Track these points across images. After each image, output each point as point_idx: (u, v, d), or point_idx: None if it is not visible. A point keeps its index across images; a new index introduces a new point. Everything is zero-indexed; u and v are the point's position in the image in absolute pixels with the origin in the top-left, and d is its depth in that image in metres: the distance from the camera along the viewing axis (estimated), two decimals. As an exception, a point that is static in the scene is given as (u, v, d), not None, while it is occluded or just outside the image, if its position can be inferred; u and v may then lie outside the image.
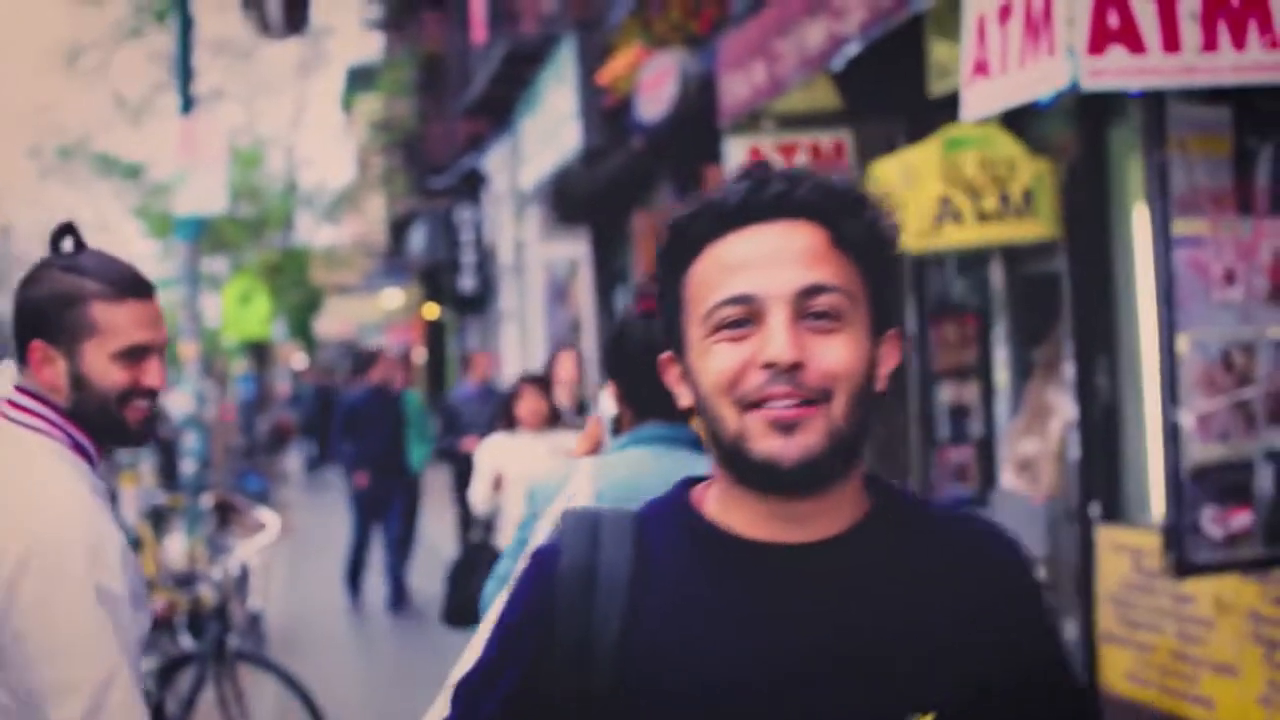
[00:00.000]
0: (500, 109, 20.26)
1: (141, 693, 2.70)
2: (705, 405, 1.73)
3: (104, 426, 2.86)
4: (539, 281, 20.92)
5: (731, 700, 1.69)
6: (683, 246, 1.75)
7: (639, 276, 13.27)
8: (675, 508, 1.82)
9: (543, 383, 8.52)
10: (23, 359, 2.85)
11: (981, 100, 5.84)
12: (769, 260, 1.71)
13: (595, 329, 18.61)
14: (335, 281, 33.96)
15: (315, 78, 49.57)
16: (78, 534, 2.66)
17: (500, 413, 8.63)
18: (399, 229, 33.47)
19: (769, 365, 1.67)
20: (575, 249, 19.45)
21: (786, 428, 1.67)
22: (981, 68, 5.78)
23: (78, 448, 2.84)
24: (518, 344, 22.46)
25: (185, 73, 12.65)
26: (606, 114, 14.54)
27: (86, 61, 23.55)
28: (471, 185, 23.83)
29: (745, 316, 1.70)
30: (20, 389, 2.85)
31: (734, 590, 1.74)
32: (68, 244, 2.90)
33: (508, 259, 22.55)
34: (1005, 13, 5.61)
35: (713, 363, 1.71)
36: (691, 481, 1.86)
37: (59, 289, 2.82)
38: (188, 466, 12.50)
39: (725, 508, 1.78)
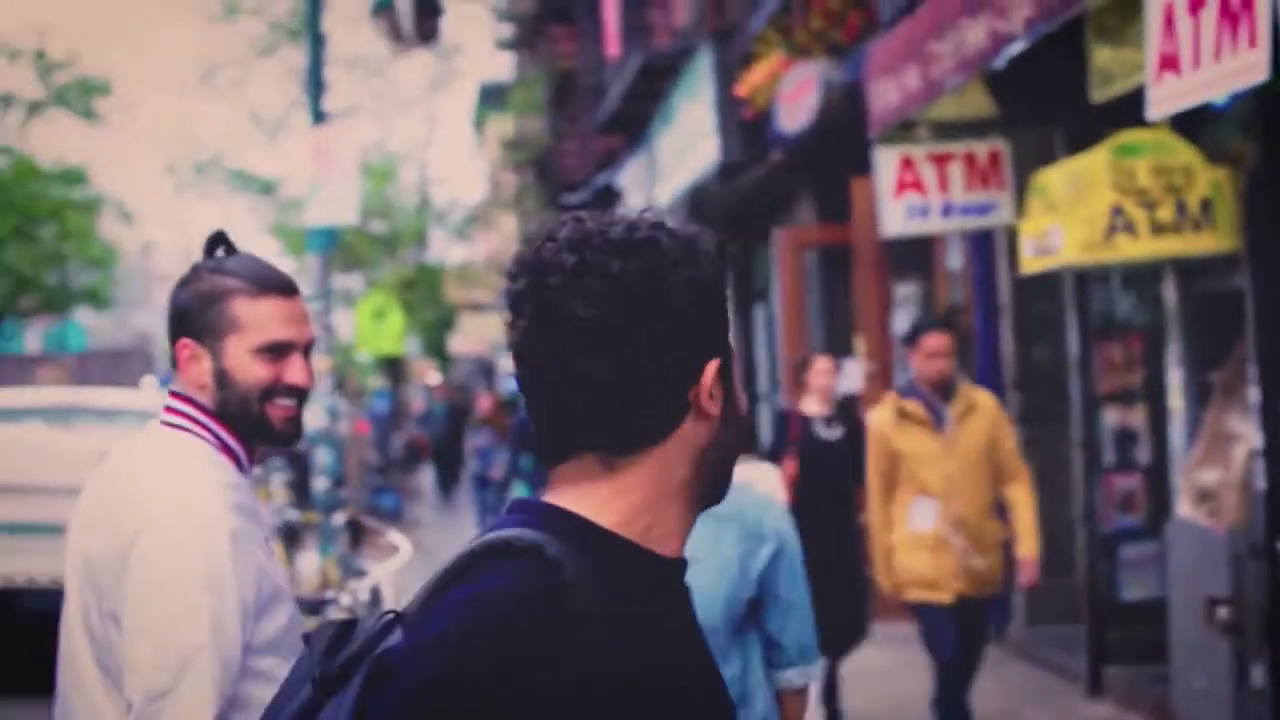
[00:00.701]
0: (635, 124, 19.98)
1: (224, 687, 2.69)
2: (737, 428, 1.75)
3: (247, 424, 2.91)
4: (674, 299, 20.47)
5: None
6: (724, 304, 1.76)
7: (782, 294, 12.87)
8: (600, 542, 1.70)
9: None
10: (174, 362, 2.94)
11: (1169, 98, 5.36)
12: None
13: (734, 345, 18.21)
14: (468, 299, 33.87)
15: (447, 96, 49.77)
16: (192, 519, 2.71)
17: None
18: (532, 246, 33.19)
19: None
20: (712, 265, 19.06)
21: None
22: (1169, 63, 5.31)
23: (225, 449, 2.89)
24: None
25: (316, 86, 12.49)
26: (745, 127, 14.17)
27: (222, 80, 23.63)
28: (606, 202, 23.56)
29: None
30: (172, 393, 2.93)
31: (681, 613, 1.77)
32: (220, 252, 2.98)
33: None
34: (1198, 2, 5.12)
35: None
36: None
37: (204, 288, 2.90)
38: (320, 483, 12.31)
39: (667, 529, 1.72)
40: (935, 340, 7.34)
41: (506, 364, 41.79)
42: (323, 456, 12.35)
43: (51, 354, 55.05)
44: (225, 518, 2.73)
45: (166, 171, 26.66)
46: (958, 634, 7.34)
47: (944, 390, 7.39)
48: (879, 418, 7.55)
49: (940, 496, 7.32)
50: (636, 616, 1.64)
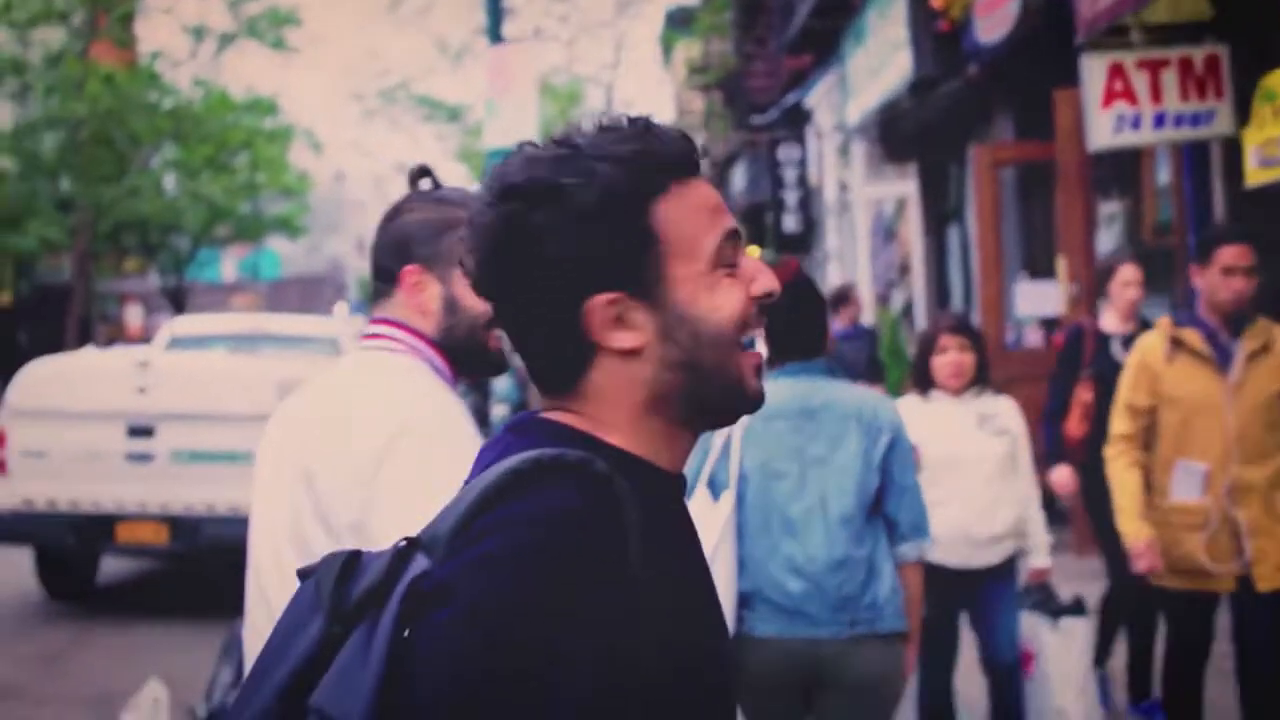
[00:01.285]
0: (825, 42, 19.39)
1: None
2: (717, 337, 1.70)
3: (468, 351, 2.95)
4: (865, 221, 20.03)
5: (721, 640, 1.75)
6: (650, 182, 1.70)
7: (977, 214, 12.27)
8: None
9: (968, 332, 6.31)
10: (386, 290, 2.97)
11: None
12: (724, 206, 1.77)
13: (924, 271, 17.65)
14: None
15: (634, 20, 49.24)
16: (448, 427, 2.77)
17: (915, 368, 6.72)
18: (720, 170, 32.90)
19: (766, 297, 1.73)
20: (903, 187, 18.57)
21: (759, 370, 1.75)
22: None
23: (438, 373, 2.94)
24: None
25: (496, 8, 12.17)
26: (939, 40, 13.56)
27: (408, 8, 23.43)
28: (795, 123, 23.00)
29: (738, 252, 1.74)
30: (380, 319, 2.96)
31: (686, 528, 1.77)
32: (425, 183, 3.03)
33: (832, 198, 21.70)
34: None
35: (727, 300, 1.70)
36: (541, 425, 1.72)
37: (433, 217, 2.93)
38: (499, 410, 12.10)
39: (654, 447, 1.72)
40: (1235, 253, 5.74)
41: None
42: (502, 383, 12.13)
43: (246, 282, 56.16)
44: (471, 430, 2.82)
45: (353, 99, 26.63)
46: (1252, 634, 5.88)
47: (1234, 321, 5.78)
48: (1147, 346, 5.92)
49: (1214, 457, 5.74)
50: (667, 532, 1.68)
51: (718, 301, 1.70)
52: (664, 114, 39.28)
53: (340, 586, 1.59)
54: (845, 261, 21.27)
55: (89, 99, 29.95)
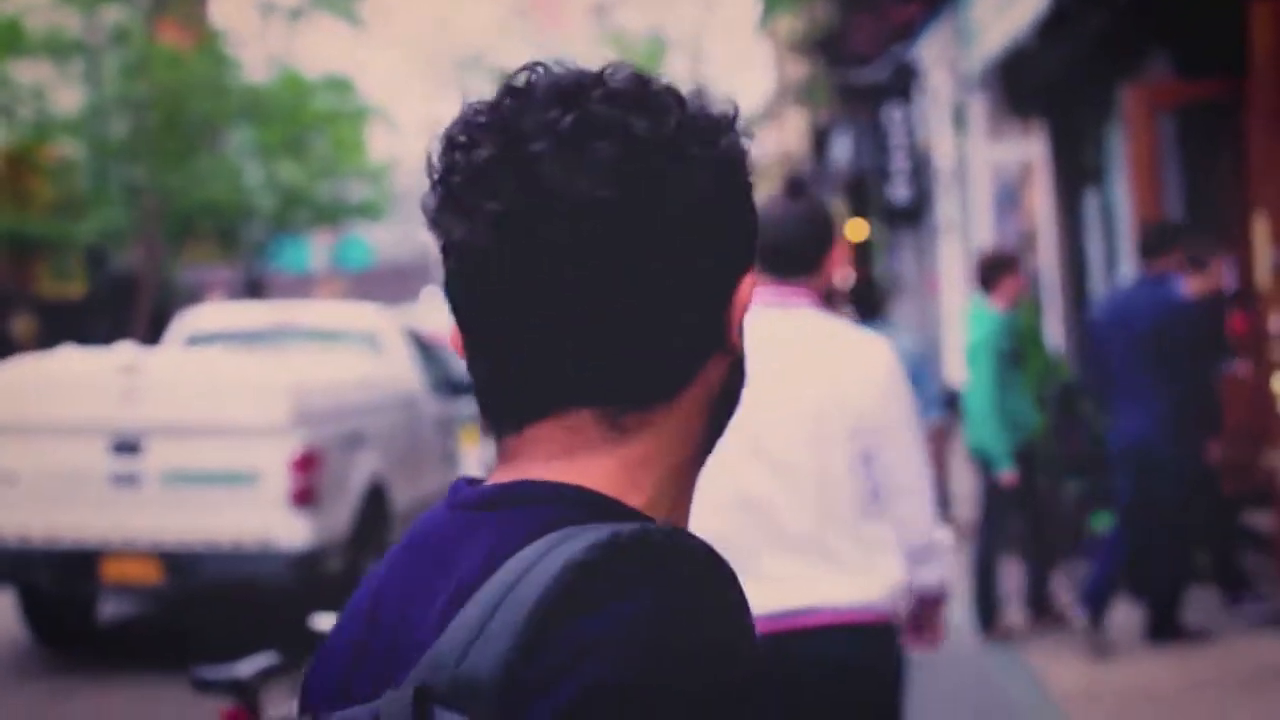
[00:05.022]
0: (936, -12, 17.42)
1: None
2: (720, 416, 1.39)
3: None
4: (984, 188, 18.01)
5: None
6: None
7: (1133, 169, 10.13)
8: None
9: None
10: (803, 269, 3.91)
11: None
12: None
13: (1055, 242, 15.55)
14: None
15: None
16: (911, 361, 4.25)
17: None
18: (821, 138, 30.93)
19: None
20: (1028, 148, 16.55)
21: None
22: None
23: None
24: (959, 261, 19.59)
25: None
26: (1077, -33, 11.50)
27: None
28: (902, 81, 20.93)
29: None
30: (800, 289, 3.94)
31: None
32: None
33: (946, 163, 19.67)
34: None
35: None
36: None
37: (826, 213, 4.17)
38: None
39: (680, 517, 1.36)
40: None
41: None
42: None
43: (333, 271, 55.00)
44: None
45: (424, 71, 25.11)
46: None
47: None
48: None
49: None
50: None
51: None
52: (758, 85, 37.43)
53: None
54: (963, 234, 19.25)
55: (155, 80, 28.93)
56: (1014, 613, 9.42)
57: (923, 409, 9.29)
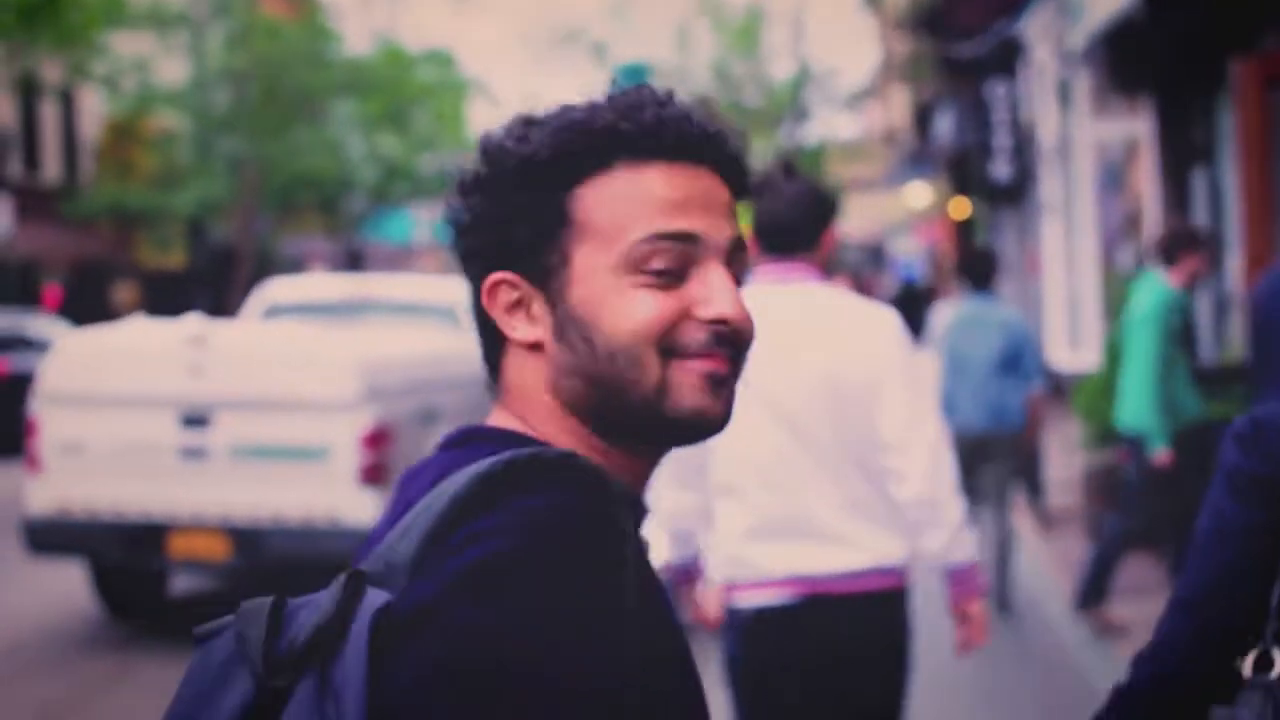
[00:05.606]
0: (1042, -41, 16.94)
1: None
2: (612, 350, 1.52)
3: None
4: (1088, 166, 17.54)
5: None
6: (583, 156, 1.54)
7: (1243, 147, 9.68)
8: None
9: None
10: (801, 246, 4.11)
11: None
12: (707, 205, 1.56)
13: (1161, 223, 15.05)
14: (855, 177, 31.47)
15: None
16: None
17: None
18: (924, 115, 30.46)
19: (718, 322, 1.53)
20: (1134, 126, 16.04)
21: (720, 383, 1.54)
22: None
23: None
24: (1062, 241, 19.13)
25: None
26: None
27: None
28: (1006, 57, 20.45)
29: (677, 261, 1.54)
30: (800, 265, 4.11)
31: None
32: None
33: (1049, 141, 19.20)
34: None
35: (638, 307, 1.52)
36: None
37: (817, 189, 4.22)
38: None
39: (589, 452, 1.54)
40: None
41: (898, 245, 38.85)
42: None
43: (433, 243, 55.18)
44: None
45: (523, 44, 24.99)
46: None
47: None
48: None
49: None
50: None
51: (627, 310, 1.52)
52: (860, 60, 36.82)
53: (271, 638, 1.42)
54: (1066, 214, 18.79)
55: (257, 52, 29.02)
56: (1121, 608, 8.87)
57: (1028, 377, 9.33)
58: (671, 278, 1.52)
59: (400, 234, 51.40)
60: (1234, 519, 2.02)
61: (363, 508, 8.58)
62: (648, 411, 1.51)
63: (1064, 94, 18.07)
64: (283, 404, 8.74)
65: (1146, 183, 15.73)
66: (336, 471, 8.64)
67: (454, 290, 11.71)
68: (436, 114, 35.44)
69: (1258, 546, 2.00)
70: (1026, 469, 11.72)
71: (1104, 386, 10.73)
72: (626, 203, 1.52)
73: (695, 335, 1.51)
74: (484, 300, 1.55)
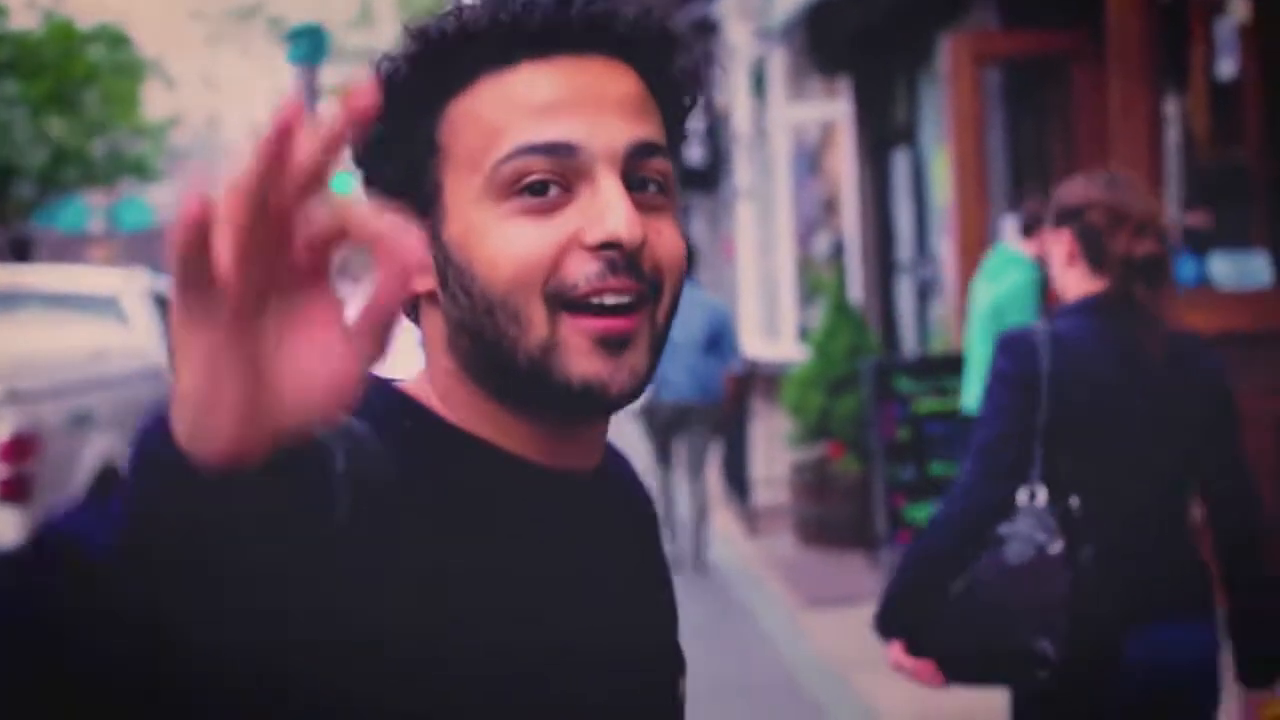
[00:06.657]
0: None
1: None
2: (489, 298, 1.29)
3: None
4: (784, 151, 17.27)
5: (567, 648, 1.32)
6: (443, 72, 1.32)
7: (954, 126, 9.27)
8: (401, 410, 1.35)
9: None
10: None
11: None
12: (588, 104, 1.30)
13: (859, 208, 14.81)
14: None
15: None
16: None
17: None
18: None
19: (607, 246, 1.27)
20: (831, 107, 15.84)
21: (617, 344, 1.28)
22: None
23: None
24: (756, 228, 18.90)
25: None
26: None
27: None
28: (698, 36, 20.14)
29: (554, 177, 1.28)
30: None
31: (539, 526, 1.34)
32: None
33: (743, 125, 18.94)
34: None
35: (513, 242, 1.27)
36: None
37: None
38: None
39: (479, 419, 1.34)
40: None
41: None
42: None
43: (107, 232, 52.96)
44: None
45: (194, 19, 23.87)
46: None
47: None
48: None
49: None
50: (498, 522, 1.34)
51: (499, 245, 1.27)
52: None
53: None
54: (761, 200, 18.55)
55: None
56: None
57: (725, 358, 10.21)
58: (551, 202, 1.29)
59: (72, 222, 49.19)
60: (1006, 402, 3.27)
61: (3, 528, 7.55)
62: (533, 376, 1.29)
63: (759, 75, 17.81)
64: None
65: (844, 166, 15.53)
66: (-32, 487, 7.61)
67: (119, 281, 10.69)
68: (108, 95, 33.83)
69: (1021, 421, 3.24)
70: (730, 462, 11.61)
71: (811, 379, 10.45)
72: (490, 115, 1.31)
73: (583, 268, 1.28)
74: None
